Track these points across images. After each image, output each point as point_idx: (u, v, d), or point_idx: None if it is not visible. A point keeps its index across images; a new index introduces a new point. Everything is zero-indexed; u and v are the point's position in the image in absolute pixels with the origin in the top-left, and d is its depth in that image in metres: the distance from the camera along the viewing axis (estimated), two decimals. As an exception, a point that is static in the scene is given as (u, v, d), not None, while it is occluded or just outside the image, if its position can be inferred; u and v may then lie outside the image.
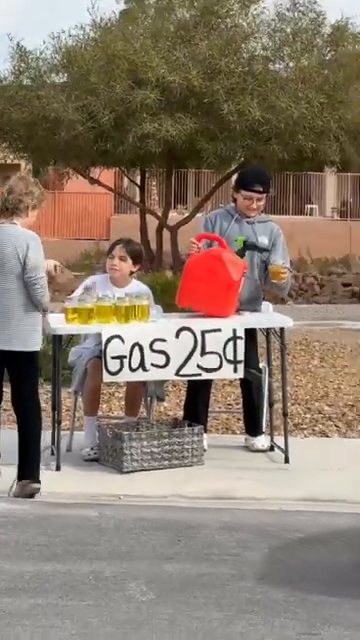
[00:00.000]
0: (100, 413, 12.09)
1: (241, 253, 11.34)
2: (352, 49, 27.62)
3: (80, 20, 50.67)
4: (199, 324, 10.81)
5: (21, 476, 10.15)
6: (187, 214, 31.54)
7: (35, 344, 10.23)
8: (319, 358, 17.35)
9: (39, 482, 10.17)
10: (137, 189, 42.34)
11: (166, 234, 30.03)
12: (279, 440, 11.54)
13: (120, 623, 7.07)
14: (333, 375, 15.90)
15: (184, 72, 26.09)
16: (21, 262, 10.03)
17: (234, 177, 30.83)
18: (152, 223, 31.28)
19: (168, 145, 26.90)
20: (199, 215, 31.35)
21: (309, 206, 52.88)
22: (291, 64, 27.38)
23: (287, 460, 11.14)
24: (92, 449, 11.15)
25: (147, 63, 26.15)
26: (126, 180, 40.69)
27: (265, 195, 11.69)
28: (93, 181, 34.91)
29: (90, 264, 28.63)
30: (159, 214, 31.32)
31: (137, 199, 36.28)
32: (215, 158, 27.97)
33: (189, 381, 11.51)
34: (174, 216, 32.61)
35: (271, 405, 11.81)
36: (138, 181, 36.91)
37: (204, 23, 27.24)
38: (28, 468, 10.17)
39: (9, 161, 33.78)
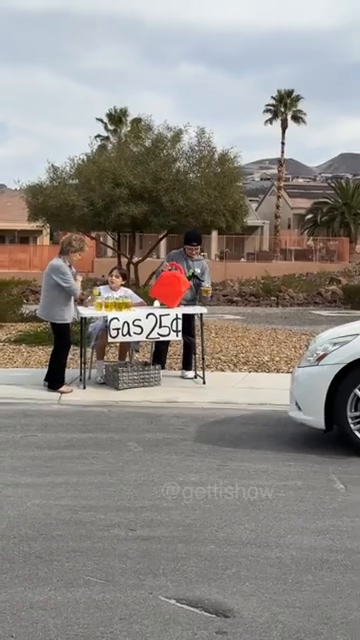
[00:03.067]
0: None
1: (189, 278, 11.54)
2: (231, 166, 27.49)
3: (83, 149, 50.96)
4: (158, 311, 10.93)
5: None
6: (141, 258, 31.38)
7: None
8: (215, 332, 17.29)
9: (52, 389, 10.55)
10: (112, 242, 42.41)
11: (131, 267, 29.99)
12: (199, 373, 11.68)
13: (126, 462, 7.39)
14: (223, 341, 15.88)
15: (142, 179, 26.09)
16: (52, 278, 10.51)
17: (171, 237, 30.99)
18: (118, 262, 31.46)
19: (132, 219, 26.88)
20: (150, 259, 31.46)
21: (202, 254, 52.60)
22: (198, 174, 27.24)
23: (204, 382, 11.29)
24: (101, 377, 11.24)
25: (121, 174, 26.16)
26: (102, 238, 40.39)
27: (198, 246, 11.93)
28: (93, 239, 34.88)
29: (85, 286, 28.46)
30: (127, 256, 31.22)
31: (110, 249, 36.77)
32: (158, 226, 28.08)
33: (156, 342, 11.62)
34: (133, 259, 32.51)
35: (195, 354, 11.99)
36: (111, 240, 36.98)
37: (152, 152, 27.17)
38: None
39: (35, 227, 33.57)
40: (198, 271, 11.73)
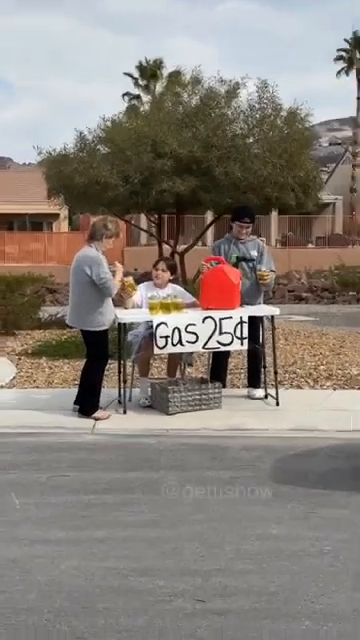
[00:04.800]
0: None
1: (236, 265, 11.41)
2: (301, 127, 27.46)
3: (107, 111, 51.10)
4: (217, 313, 10.79)
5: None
6: (188, 245, 31.37)
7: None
8: (284, 339, 17.19)
9: (84, 415, 10.51)
10: (146, 226, 42.48)
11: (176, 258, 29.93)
12: (270, 391, 11.56)
13: (186, 505, 7.29)
14: (296, 349, 15.81)
15: (189, 147, 26.02)
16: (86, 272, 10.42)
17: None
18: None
19: (177, 197, 26.85)
20: (198, 247, 31.45)
21: (259, 239, 52.46)
22: (260, 139, 27.18)
23: (278, 404, 11.15)
24: (146, 399, 11.16)
25: (164, 141, 26.11)
26: (133, 220, 40.52)
27: (251, 224, 11.78)
28: (128, 223, 34.95)
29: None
30: (170, 244, 31.24)
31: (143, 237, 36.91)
32: (210, 204, 28.05)
33: (214, 352, 11.50)
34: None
35: (264, 367, 11.84)
36: (145, 222, 37.05)
37: (201, 112, 27.14)
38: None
39: (52, 209, 33.80)
40: (255, 253, 11.63)
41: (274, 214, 46.49)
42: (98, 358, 10.68)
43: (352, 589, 5.64)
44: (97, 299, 10.45)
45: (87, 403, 10.59)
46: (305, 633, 5.05)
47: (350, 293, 29.74)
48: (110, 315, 10.60)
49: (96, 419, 10.41)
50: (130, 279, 11.35)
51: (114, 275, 10.62)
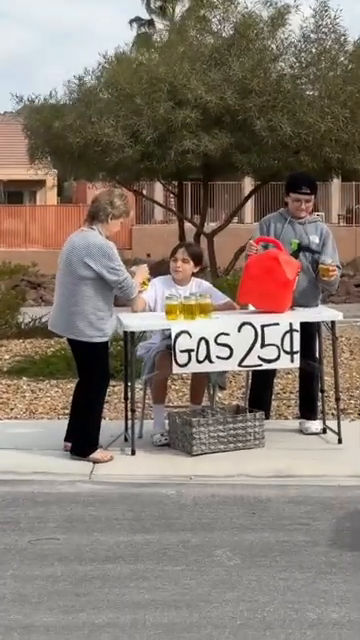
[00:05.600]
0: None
1: (296, 254, 11.42)
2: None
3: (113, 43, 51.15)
4: (259, 319, 10.86)
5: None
6: (219, 224, 31.56)
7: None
8: (349, 351, 17.28)
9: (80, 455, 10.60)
10: (162, 198, 42.58)
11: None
12: (329, 424, 11.63)
13: (214, 583, 7.32)
14: (365, 367, 15.90)
15: (219, 92, 26.14)
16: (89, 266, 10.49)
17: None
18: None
19: (205, 159, 26.97)
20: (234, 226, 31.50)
21: (315, 213, 52.59)
22: (317, 82, 27.27)
23: (340, 441, 11.21)
24: (162, 435, 11.22)
25: (186, 85, 26.22)
26: (145, 190, 40.73)
27: (313, 197, 11.80)
28: (137, 194, 35.07)
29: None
30: (194, 222, 31.37)
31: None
32: (248, 169, 28.13)
33: (254, 371, 11.61)
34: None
35: (322, 391, 11.90)
36: (161, 193, 37.27)
37: (236, 46, 27.24)
38: None
39: (35, 177, 34.06)
40: (316, 240, 11.69)
41: (336, 181, 46.52)
42: (96, 380, 10.76)
43: None
44: (97, 299, 10.52)
45: (83, 440, 10.69)
46: None
47: None
48: (111, 321, 10.71)
49: (95, 461, 10.51)
50: (144, 268, 11.41)
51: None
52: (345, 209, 55.64)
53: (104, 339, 10.67)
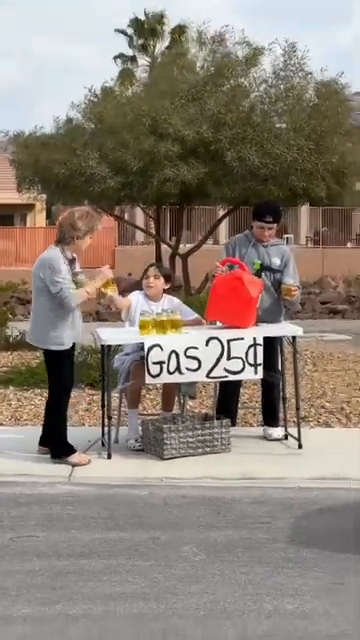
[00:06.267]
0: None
1: (258, 274, 11.46)
2: (335, 103, 27.69)
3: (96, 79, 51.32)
4: (225, 333, 10.87)
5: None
6: (193, 245, 31.61)
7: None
8: (312, 364, 17.33)
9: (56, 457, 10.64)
10: (143, 221, 42.61)
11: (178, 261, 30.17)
12: (291, 430, 11.61)
13: (180, 577, 7.33)
14: (326, 377, 15.93)
15: (196, 126, 26.24)
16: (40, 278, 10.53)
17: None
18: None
19: (183, 187, 27.03)
20: (207, 248, 31.56)
21: (285, 236, 52.73)
22: (284, 116, 27.41)
23: (300, 446, 11.21)
24: (136, 440, 11.22)
25: (167, 120, 26.33)
26: (127, 216, 40.87)
27: (275, 224, 11.84)
28: (118, 219, 35.13)
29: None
30: (169, 244, 31.45)
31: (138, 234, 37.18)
32: (220, 197, 28.25)
33: (221, 382, 11.61)
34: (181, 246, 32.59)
35: (284, 400, 11.91)
36: (141, 217, 37.30)
37: (212, 83, 27.37)
38: None
39: (25, 201, 34.08)
40: (277, 262, 11.72)
41: (304, 206, 46.67)
42: (57, 386, 10.80)
43: None
44: (54, 310, 10.52)
45: (56, 443, 10.73)
46: None
47: None
48: (70, 331, 10.64)
49: (73, 465, 10.50)
50: (104, 271, 11.04)
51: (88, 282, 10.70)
52: (312, 232, 55.75)
53: (61, 348, 10.61)
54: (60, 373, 10.74)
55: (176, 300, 11.98)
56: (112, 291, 11.06)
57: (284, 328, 11.76)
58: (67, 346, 10.67)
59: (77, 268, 10.74)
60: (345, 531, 8.47)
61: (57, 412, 10.77)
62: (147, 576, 7.36)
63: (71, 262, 10.65)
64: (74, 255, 10.71)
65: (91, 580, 7.28)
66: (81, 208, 11.43)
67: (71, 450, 10.67)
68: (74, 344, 10.90)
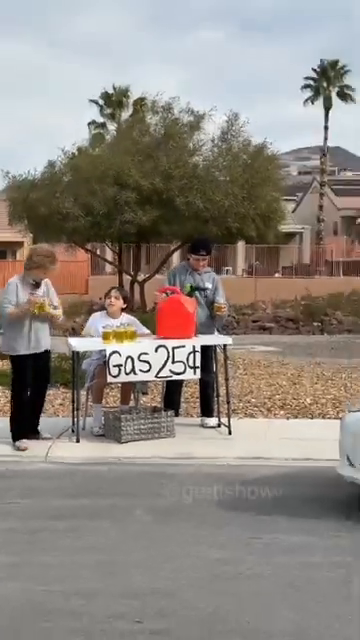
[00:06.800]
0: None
1: (190, 294, 11.60)
2: (264, 162, 27.92)
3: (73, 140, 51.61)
4: (170, 342, 10.97)
5: None
6: (148, 275, 31.75)
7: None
8: (243, 368, 17.38)
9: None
10: (112, 256, 42.67)
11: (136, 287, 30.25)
12: (223, 420, 11.67)
13: (133, 535, 7.44)
14: (253, 379, 15.97)
15: (151, 178, 26.39)
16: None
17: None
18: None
19: (139, 228, 27.16)
20: (159, 276, 31.69)
21: (225, 268, 52.86)
22: (223, 170, 27.59)
23: (230, 432, 11.28)
24: (100, 428, 11.28)
25: (128, 173, 26.49)
26: (99, 251, 40.95)
27: (208, 257, 11.97)
28: (88, 252, 35.17)
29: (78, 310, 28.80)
30: (130, 273, 31.55)
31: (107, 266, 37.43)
32: (170, 235, 28.42)
33: (168, 381, 11.68)
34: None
35: (217, 396, 11.99)
36: (110, 252, 37.39)
37: (164, 143, 27.55)
38: None
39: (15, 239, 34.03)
40: (209, 285, 11.86)
41: (241, 243, 46.92)
42: (14, 384, 10.92)
43: (286, 610, 5.86)
44: (9, 323, 10.69)
45: (11, 429, 10.83)
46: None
47: (314, 323, 29.93)
48: (25, 342, 10.67)
49: (17, 449, 10.56)
50: (34, 299, 10.67)
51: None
52: (247, 265, 55.93)
53: (14, 353, 10.73)
54: (15, 374, 10.84)
55: (132, 317, 12.08)
56: (48, 310, 10.74)
57: (217, 338, 11.87)
58: (18, 352, 10.70)
59: (39, 291, 10.75)
60: (262, 498, 8.57)
61: (14, 405, 10.88)
62: (105, 534, 7.45)
63: (35, 285, 10.73)
64: (36, 280, 10.76)
65: (60, 537, 7.36)
66: (43, 248, 11.42)
67: (18, 436, 10.73)
68: (38, 353, 10.84)
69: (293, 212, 69.78)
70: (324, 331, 29.01)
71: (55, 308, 10.82)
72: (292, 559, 6.80)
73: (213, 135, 28.32)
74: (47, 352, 10.98)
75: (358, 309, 32.13)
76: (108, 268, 51.74)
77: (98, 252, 40.81)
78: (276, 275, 54.27)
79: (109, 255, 42.88)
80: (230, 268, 54.43)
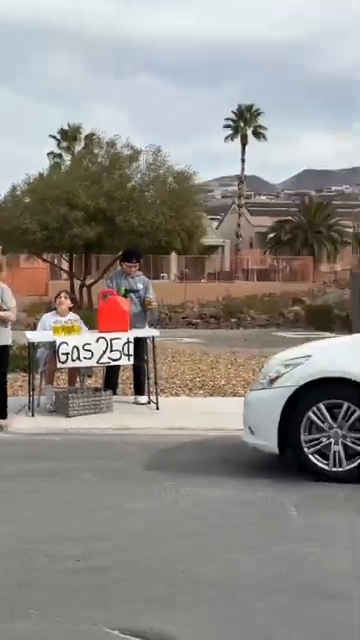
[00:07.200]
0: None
1: (125, 296, 11.70)
2: (187, 185, 28.06)
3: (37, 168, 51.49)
4: (109, 335, 11.03)
5: None
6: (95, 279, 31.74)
7: None
8: (171, 356, 17.40)
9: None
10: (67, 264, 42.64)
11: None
12: (153, 398, 11.73)
13: (75, 489, 7.51)
14: (179, 365, 16.04)
15: (96, 199, 26.45)
16: None
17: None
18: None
19: (86, 241, 27.20)
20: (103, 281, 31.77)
21: (162, 274, 52.91)
22: (154, 194, 27.71)
23: (158, 408, 11.38)
24: (51, 405, 11.30)
25: (76, 195, 26.54)
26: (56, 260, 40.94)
27: (138, 263, 12.11)
28: (45, 261, 35.10)
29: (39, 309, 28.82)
30: (80, 279, 31.53)
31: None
32: (111, 247, 28.43)
33: (107, 366, 11.66)
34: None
35: (148, 379, 12.06)
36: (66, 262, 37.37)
37: (107, 171, 27.62)
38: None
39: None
40: (140, 286, 11.98)
41: (173, 254, 46.87)
42: None
43: (196, 549, 5.95)
44: None
45: None
46: (156, 583, 5.35)
47: (232, 319, 30.08)
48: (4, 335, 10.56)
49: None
50: None
51: None
52: (179, 272, 56.04)
53: None
54: None
55: (77, 316, 12.09)
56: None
57: (147, 331, 11.97)
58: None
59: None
60: (182, 461, 8.67)
61: None
62: (55, 490, 7.50)
63: None
64: None
65: (17, 492, 7.42)
66: None
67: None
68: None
69: (217, 228, 70.15)
70: (240, 326, 29.16)
71: (8, 310, 10.59)
72: (204, 508, 6.92)
73: (143, 165, 28.55)
74: (4, 347, 10.65)
75: (268, 308, 32.43)
76: (64, 274, 51.54)
77: (56, 261, 40.66)
78: (202, 280, 54.43)
79: (65, 264, 42.84)
80: (165, 274, 54.42)
